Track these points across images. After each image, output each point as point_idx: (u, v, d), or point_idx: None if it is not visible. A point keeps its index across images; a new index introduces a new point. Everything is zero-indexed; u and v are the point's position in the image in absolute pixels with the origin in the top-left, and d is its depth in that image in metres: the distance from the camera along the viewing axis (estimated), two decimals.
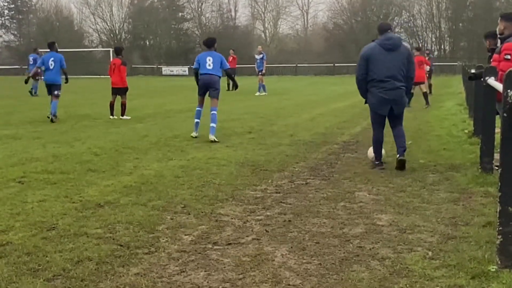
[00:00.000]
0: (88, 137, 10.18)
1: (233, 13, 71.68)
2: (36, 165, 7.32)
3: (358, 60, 7.26)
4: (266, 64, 25.48)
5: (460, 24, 60.44)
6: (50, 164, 7.42)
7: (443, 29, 61.32)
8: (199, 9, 70.78)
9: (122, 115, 13.89)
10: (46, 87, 13.81)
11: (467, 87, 16.58)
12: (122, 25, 71.66)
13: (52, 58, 13.64)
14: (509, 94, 3.38)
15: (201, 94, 10.24)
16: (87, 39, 72.23)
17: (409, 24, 62.43)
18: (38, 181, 6.39)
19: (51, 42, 14.85)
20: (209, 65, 10.02)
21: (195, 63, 10.36)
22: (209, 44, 10.43)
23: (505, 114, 3.42)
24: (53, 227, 4.63)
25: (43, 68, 13.86)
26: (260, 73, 24.36)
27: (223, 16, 70.65)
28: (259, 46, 27.24)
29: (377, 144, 7.31)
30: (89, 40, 72.84)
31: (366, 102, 7.41)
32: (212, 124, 9.81)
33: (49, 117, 13.17)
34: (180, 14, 71.81)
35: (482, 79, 6.95)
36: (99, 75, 49.41)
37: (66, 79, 14.58)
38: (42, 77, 15.64)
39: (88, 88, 27.46)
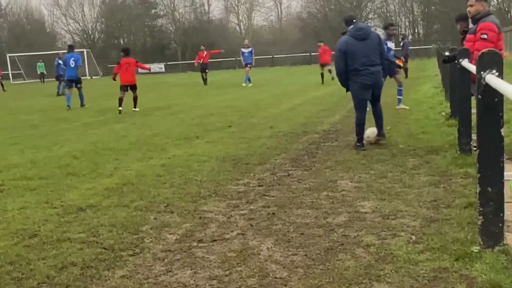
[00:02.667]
0: (66, 140, 10.07)
1: (206, 7, 71.40)
2: (15, 172, 7.22)
3: (336, 54, 7.81)
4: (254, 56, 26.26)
5: (433, 7, 60.93)
6: (29, 170, 7.32)
7: (416, 12, 61.78)
8: (172, 5, 70.28)
9: (135, 107, 15.47)
10: (69, 82, 17.15)
11: (442, 70, 16.72)
12: (94, 25, 71.00)
13: (72, 58, 17.10)
14: (483, 76, 3.41)
15: None
16: (60, 41, 71.34)
17: (382, 10, 62.78)
18: (17, 188, 6.30)
19: (70, 44, 19.24)
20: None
21: None
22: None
23: (479, 96, 3.45)
24: (35, 234, 4.57)
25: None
26: (248, 66, 25.20)
27: (196, 11, 70.28)
28: (246, 40, 28.13)
29: (360, 127, 7.79)
30: (62, 42, 71.83)
31: (347, 91, 7.94)
32: None
33: (83, 105, 17.02)
34: (153, 10, 71.27)
35: (456, 61, 7.01)
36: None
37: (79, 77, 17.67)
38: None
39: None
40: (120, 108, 14.97)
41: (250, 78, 25.14)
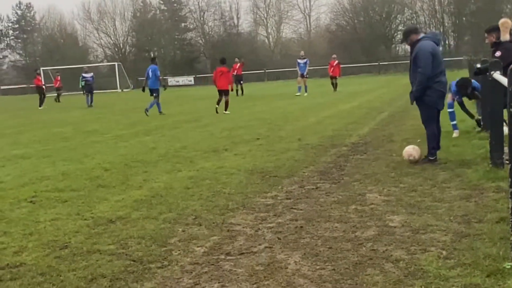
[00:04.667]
0: (97, 153, 10.22)
1: (235, 21, 71.83)
2: (47, 184, 7.36)
3: (425, 58, 7.07)
4: (309, 67, 28.07)
5: (464, 18, 60.18)
6: (61, 182, 7.45)
7: (446, 24, 61.09)
8: (202, 19, 71.00)
9: (226, 110, 17.50)
10: (150, 91, 18.86)
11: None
12: (126, 38, 72.06)
13: (150, 69, 18.99)
14: None
15: None
16: (92, 54, 72.68)
17: (412, 21, 62.22)
18: (49, 199, 6.42)
19: (152, 57, 21.41)
20: None
21: None
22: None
23: (511, 109, 3.39)
24: (66, 245, 4.65)
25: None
26: (304, 76, 26.70)
27: (225, 24, 70.79)
28: (302, 51, 29.14)
29: (434, 138, 7.37)
30: (94, 55, 73.28)
31: (413, 102, 7.40)
32: None
33: (161, 113, 18.34)
34: (183, 24, 72.08)
35: (487, 73, 6.91)
36: (106, 90, 49.74)
37: (163, 85, 20.08)
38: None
39: (96, 103, 27.59)
40: (217, 106, 17.72)
41: (307, 87, 26.49)
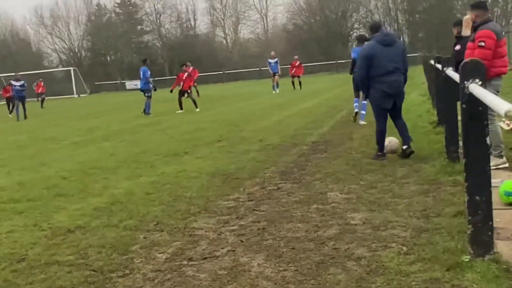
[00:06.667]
0: (54, 161, 9.99)
1: (192, 22, 71.61)
2: (2, 195, 7.14)
3: (360, 60, 7.61)
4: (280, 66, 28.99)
5: (417, 15, 61.54)
6: (16, 192, 7.25)
7: (400, 21, 62.32)
8: (158, 21, 70.45)
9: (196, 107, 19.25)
10: (142, 92, 20.00)
11: (428, 78, 16.86)
12: (81, 43, 70.93)
13: (142, 71, 20.07)
14: (466, 85, 3.43)
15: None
16: (46, 60, 71.25)
17: (367, 20, 63.22)
18: (4, 211, 6.23)
19: (143, 59, 22.70)
20: None
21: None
22: None
23: (463, 105, 3.46)
24: (23, 258, 4.51)
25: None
26: (276, 75, 27.73)
27: (182, 26, 70.48)
28: (272, 52, 30.62)
29: (381, 136, 7.57)
30: (49, 61, 71.86)
31: (367, 98, 7.87)
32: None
33: (143, 113, 19.19)
34: (139, 27, 71.38)
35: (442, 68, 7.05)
36: (62, 96, 48.78)
37: (153, 86, 20.56)
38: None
39: (52, 109, 26.99)
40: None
41: (279, 85, 27.48)
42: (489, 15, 6.62)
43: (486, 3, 7.08)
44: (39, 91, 34.08)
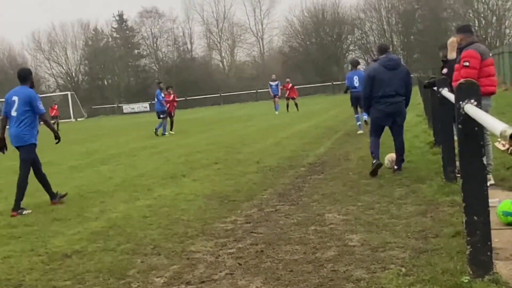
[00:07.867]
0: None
1: (189, 46, 72.05)
2: None
3: (365, 80, 8.19)
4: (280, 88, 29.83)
5: (412, 37, 62.04)
6: (13, 217, 7.21)
7: (395, 43, 62.80)
8: (155, 45, 70.94)
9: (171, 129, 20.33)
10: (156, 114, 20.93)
11: (424, 98, 16.94)
12: (78, 67, 71.24)
13: (156, 94, 20.61)
14: (462, 106, 3.45)
15: None
16: (44, 85, 71.36)
17: (362, 41, 63.78)
18: (1, 236, 6.19)
19: (158, 82, 23.99)
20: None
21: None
22: None
23: (459, 126, 3.48)
24: (20, 284, 4.48)
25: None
26: (276, 97, 29.04)
27: (179, 50, 70.87)
28: (273, 75, 31.66)
29: (373, 145, 8.02)
30: (46, 85, 72.01)
31: (368, 115, 8.46)
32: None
33: (164, 134, 19.84)
34: (136, 51, 71.79)
35: (434, 88, 7.11)
36: (59, 120, 48.70)
37: (167, 108, 20.91)
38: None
39: (49, 133, 27.00)
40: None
41: (279, 106, 28.47)
42: (474, 37, 6.72)
43: (470, 27, 7.31)
44: (53, 114, 34.04)
